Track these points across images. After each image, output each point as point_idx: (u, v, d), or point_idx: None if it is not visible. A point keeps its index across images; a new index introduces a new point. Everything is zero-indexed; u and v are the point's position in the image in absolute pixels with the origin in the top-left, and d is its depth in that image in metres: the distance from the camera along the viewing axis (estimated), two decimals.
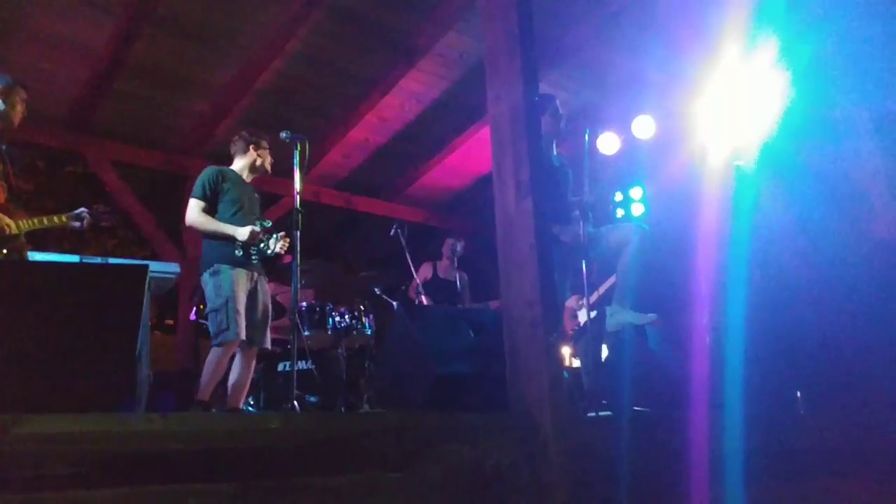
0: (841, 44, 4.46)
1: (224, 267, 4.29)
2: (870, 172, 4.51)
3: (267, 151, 4.74)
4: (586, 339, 4.36)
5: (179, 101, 6.20)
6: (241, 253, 4.34)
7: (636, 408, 3.76)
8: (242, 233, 4.33)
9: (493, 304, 6.19)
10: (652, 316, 4.23)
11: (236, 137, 4.75)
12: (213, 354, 4.20)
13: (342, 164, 7.47)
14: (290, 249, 4.27)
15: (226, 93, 6.10)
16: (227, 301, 4.20)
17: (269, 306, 4.53)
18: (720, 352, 4.74)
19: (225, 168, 4.61)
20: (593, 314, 5.13)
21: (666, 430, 3.40)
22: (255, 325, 4.37)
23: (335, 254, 8.54)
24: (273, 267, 5.30)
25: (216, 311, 4.20)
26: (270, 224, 4.42)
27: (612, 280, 5.11)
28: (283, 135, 4.28)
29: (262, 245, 4.39)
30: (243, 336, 4.20)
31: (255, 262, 4.43)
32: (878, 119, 4.39)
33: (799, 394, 4.51)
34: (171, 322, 7.90)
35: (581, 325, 4.95)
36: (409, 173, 7.85)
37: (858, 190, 4.56)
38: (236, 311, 4.20)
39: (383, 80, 6.21)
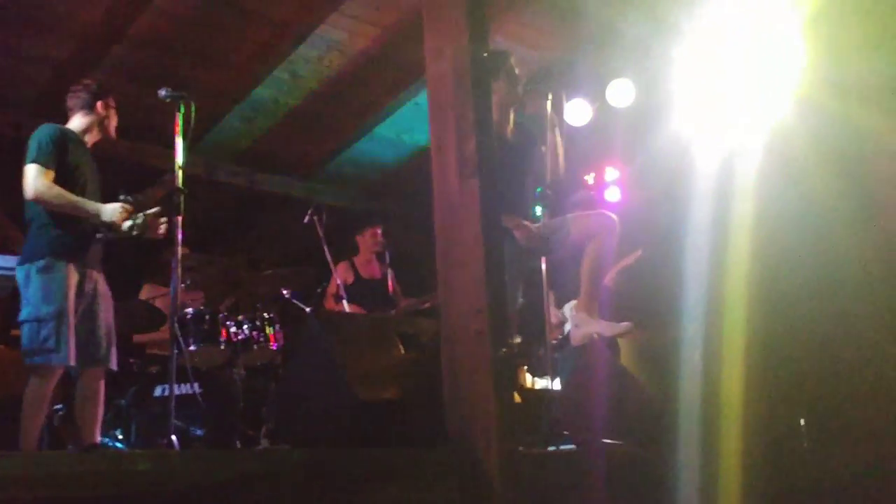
0: None
1: (59, 263, 4.14)
2: (891, 154, 4.64)
3: (115, 111, 4.64)
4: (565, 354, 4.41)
5: (31, 45, 6.03)
6: (101, 235, 4.25)
7: (606, 440, 3.81)
8: (109, 211, 4.21)
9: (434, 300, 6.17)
10: (626, 325, 4.28)
11: (79, 87, 4.60)
12: (34, 388, 4.04)
13: (243, 132, 7.38)
14: (170, 239, 4.18)
15: (92, 36, 5.96)
16: (60, 311, 4.05)
17: (112, 315, 4.44)
18: (711, 370, 4.83)
19: (65, 127, 4.49)
20: (568, 326, 5.20)
21: (644, 469, 3.46)
22: (96, 340, 4.28)
23: (232, 246, 8.41)
24: (150, 263, 5.23)
25: (40, 321, 4.04)
26: (133, 200, 4.32)
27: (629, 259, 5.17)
28: (161, 92, 4.20)
29: (130, 227, 4.27)
30: (73, 362, 4.12)
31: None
32: None
33: (803, 422, 4.63)
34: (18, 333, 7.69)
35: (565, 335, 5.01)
36: (329, 145, 7.80)
37: (875, 175, 4.69)
38: (69, 326, 4.08)
39: (297, 25, 6.15)
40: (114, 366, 4.37)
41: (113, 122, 4.64)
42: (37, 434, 4.05)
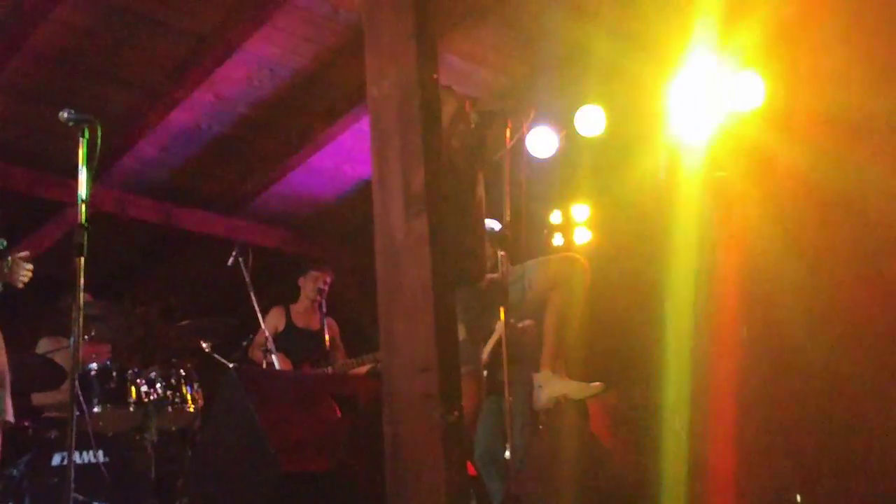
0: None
1: None
2: (892, 196, 4.71)
3: None
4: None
5: None
6: None
7: None
8: None
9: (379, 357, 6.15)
10: (597, 386, 4.29)
11: None
12: None
13: (160, 162, 7.35)
14: (71, 284, 4.15)
15: None
16: None
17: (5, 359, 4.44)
18: (696, 438, 4.85)
19: None
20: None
21: None
22: None
23: (144, 292, 8.34)
24: (48, 312, 5.16)
25: None
26: (5, 245, 4.31)
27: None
28: (64, 114, 4.18)
29: None
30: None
31: None
32: None
33: (799, 499, 4.64)
34: None
35: None
36: (257, 176, 7.79)
37: (874, 218, 4.76)
38: None
39: (222, 40, 6.15)
40: (10, 417, 4.36)
41: None
42: None
